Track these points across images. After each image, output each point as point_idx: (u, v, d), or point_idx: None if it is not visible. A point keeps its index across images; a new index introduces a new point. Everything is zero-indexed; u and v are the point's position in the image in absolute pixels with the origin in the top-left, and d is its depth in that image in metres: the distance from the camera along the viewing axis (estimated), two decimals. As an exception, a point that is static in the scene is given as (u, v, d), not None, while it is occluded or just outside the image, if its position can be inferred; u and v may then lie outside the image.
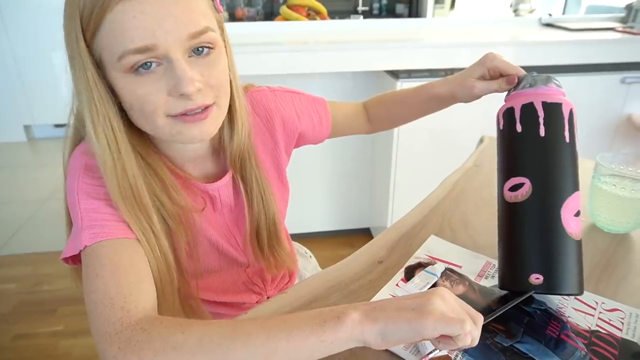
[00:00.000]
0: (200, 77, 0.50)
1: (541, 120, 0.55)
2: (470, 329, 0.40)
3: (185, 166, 0.62)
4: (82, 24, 0.47)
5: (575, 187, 0.54)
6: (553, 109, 0.55)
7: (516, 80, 0.62)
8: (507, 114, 0.58)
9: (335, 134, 0.80)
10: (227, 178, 0.64)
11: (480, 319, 0.44)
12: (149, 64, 0.48)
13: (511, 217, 0.56)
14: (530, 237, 0.54)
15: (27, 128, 3.37)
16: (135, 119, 0.53)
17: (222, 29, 0.56)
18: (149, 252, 0.52)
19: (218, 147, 0.64)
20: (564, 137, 0.55)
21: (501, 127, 0.60)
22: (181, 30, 0.48)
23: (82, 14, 0.47)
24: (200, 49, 0.50)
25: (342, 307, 0.42)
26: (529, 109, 0.56)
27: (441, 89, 0.73)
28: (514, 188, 0.55)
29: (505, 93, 0.64)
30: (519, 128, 0.56)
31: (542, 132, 0.55)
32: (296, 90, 0.74)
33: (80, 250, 0.49)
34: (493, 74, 0.68)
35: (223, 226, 0.66)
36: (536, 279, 0.53)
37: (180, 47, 0.48)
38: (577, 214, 0.54)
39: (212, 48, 0.51)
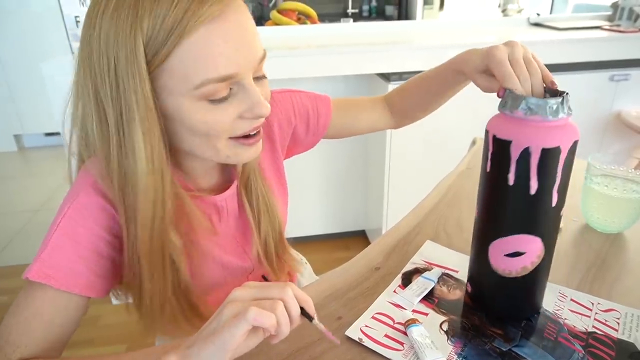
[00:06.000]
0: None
1: (489, 155, 0.51)
2: (255, 314, 0.39)
3: (197, 179, 0.62)
4: (147, 50, 0.44)
5: (515, 230, 0.51)
6: (501, 146, 0.49)
7: (501, 94, 0.53)
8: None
9: (347, 131, 0.79)
10: (233, 188, 0.64)
11: (286, 287, 0.43)
12: (226, 95, 0.48)
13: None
14: (471, 253, 0.58)
15: (17, 137, 3.34)
16: (190, 143, 0.52)
17: None
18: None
19: None
20: (507, 179, 0.49)
21: None
22: (255, 57, 0.49)
23: (149, 38, 0.44)
24: (260, 77, 0.52)
25: (169, 348, 0.43)
26: (486, 138, 0.51)
27: (459, 67, 0.65)
28: (476, 207, 0.56)
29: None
30: (481, 153, 0.53)
31: (488, 167, 0.51)
32: (297, 89, 0.75)
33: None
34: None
35: (228, 235, 0.66)
36: (468, 287, 0.59)
37: (253, 73, 0.50)
38: (514, 254, 0.52)
39: (265, 74, 0.54)
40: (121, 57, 0.44)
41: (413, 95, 0.76)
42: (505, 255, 0.52)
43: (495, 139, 0.49)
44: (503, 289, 0.55)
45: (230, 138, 0.52)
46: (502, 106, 0.50)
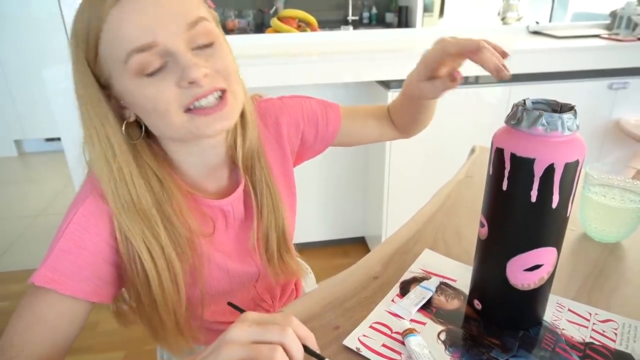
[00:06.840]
0: (205, 64, 0.51)
1: (506, 173, 0.49)
2: (255, 354, 0.37)
3: (202, 180, 0.62)
4: (86, 46, 0.50)
5: (536, 244, 0.51)
6: (522, 164, 0.47)
7: (458, 77, 0.54)
8: (491, 145, 0.52)
9: (355, 139, 0.80)
10: (240, 190, 0.64)
11: (286, 328, 0.39)
12: (158, 67, 0.49)
13: (477, 249, 0.58)
14: (480, 271, 0.58)
15: (17, 143, 3.35)
16: (153, 126, 0.54)
17: (217, 26, 0.57)
18: (151, 266, 0.53)
19: (232, 151, 0.63)
20: (529, 197, 0.48)
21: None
22: (178, 22, 0.49)
23: (84, 37, 0.49)
24: (202, 45, 0.52)
25: None
26: (499, 156, 0.49)
27: (413, 92, 0.66)
28: (481, 224, 0.55)
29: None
30: (490, 170, 0.52)
31: (504, 186, 0.49)
32: (308, 96, 0.76)
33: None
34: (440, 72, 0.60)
35: (235, 240, 0.66)
36: (477, 304, 0.58)
37: (181, 40, 0.49)
38: (534, 268, 0.52)
39: (212, 42, 0.53)
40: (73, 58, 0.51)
41: (402, 115, 0.78)
42: (524, 270, 0.52)
43: (514, 157, 0.47)
44: (521, 303, 0.55)
45: (187, 112, 0.51)
46: (515, 123, 0.48)
